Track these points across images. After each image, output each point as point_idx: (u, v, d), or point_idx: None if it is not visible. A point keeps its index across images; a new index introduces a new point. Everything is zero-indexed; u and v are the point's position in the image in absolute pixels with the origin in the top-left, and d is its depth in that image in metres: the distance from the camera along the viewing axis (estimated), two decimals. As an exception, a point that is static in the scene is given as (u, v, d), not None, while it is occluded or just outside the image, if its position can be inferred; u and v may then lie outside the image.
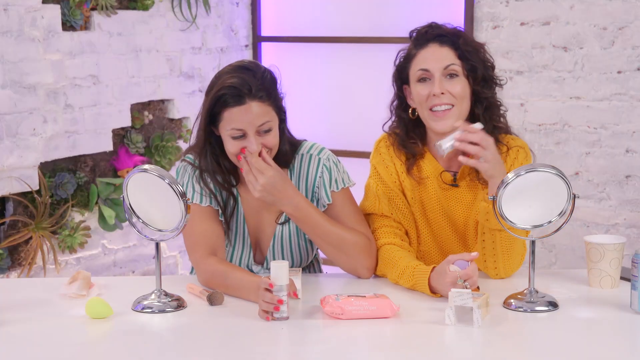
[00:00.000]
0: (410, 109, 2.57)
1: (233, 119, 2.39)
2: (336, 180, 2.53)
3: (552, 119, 4.14)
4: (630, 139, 3.99)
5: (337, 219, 2.50)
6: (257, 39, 4.94)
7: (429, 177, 2.56)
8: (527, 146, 2.58)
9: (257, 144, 2.39)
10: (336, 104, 4.79)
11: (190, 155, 2.55)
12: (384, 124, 2.64)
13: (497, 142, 2.52)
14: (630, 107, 3.97)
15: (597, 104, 4.04)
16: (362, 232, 2.52)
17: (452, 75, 2.49)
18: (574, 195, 2.24)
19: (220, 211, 2.52)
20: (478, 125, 2.43)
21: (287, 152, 2.52)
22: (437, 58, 2.49)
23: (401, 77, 2.58)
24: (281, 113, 2.48)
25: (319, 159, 2.54)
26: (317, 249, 2.65)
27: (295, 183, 2.54)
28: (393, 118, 2.62)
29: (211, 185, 2.51)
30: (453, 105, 2.47)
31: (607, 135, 4.03)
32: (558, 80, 4.11)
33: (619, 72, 3.98)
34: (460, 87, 2.49)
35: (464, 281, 2.24)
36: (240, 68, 2.43)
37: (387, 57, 4.57)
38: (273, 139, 2.43)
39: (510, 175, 2.24)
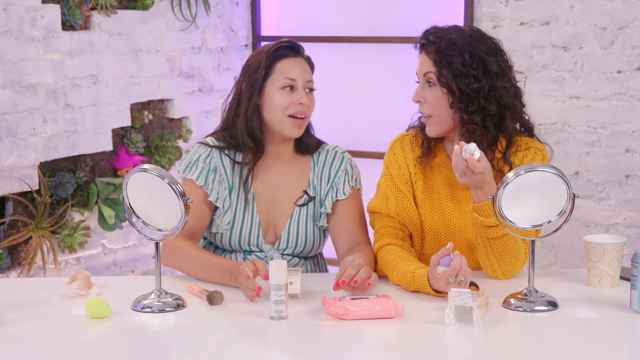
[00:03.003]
0: None
1: (287, 69, 2.58)
2: (355, 179, 2.68)
3: (552, 118, 4.14)
4: (630, 138, 3.98)
5: (344, 214, 2.64)
6: (257, 39, 4.93)
7: (444, 177, 2.57)
8: (546, 149, 2.56)
9: (305, 97, 2.57)
10: (336, 104, 4.78)
11: (208, 139, 2.65)
12: (413, 116, 2.65)
13: (516, 145, 2.53)
14: (630, 107, 3.97)
15: (597, 103, 4.04)
16: (365, 239, 2.66)
17: (430, 83, 2.51)
18: (574, 195, 2.24)
19: (213, 205, 2.60)
20: (476, 155, 2.32)
21: (311, 143, 2.69)
22: (420, 63, 2.53)
23: None
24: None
25: (343, 156, 2.70)
26: (327, 239, 2.72)
27: (319, 172, 2.67)
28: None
29: (216, 182, 2.59)
30: (430, 116, 2.51)
31: (607, 135, 4.03)
32: (558, 80, 4.11)
33: (618, 72, 3.97)
34: (433, 95, 2.49)
35: (455, 277, 2.23)
36: (283, 41, 2.65)
37: (387, 57, 4.64)
38: (314, 102, 2.63)
39: (510, 175, 2.23)
